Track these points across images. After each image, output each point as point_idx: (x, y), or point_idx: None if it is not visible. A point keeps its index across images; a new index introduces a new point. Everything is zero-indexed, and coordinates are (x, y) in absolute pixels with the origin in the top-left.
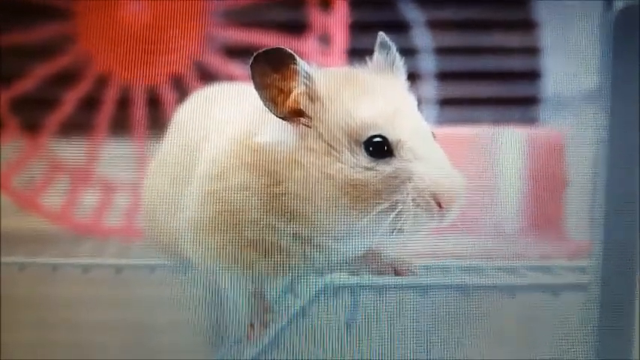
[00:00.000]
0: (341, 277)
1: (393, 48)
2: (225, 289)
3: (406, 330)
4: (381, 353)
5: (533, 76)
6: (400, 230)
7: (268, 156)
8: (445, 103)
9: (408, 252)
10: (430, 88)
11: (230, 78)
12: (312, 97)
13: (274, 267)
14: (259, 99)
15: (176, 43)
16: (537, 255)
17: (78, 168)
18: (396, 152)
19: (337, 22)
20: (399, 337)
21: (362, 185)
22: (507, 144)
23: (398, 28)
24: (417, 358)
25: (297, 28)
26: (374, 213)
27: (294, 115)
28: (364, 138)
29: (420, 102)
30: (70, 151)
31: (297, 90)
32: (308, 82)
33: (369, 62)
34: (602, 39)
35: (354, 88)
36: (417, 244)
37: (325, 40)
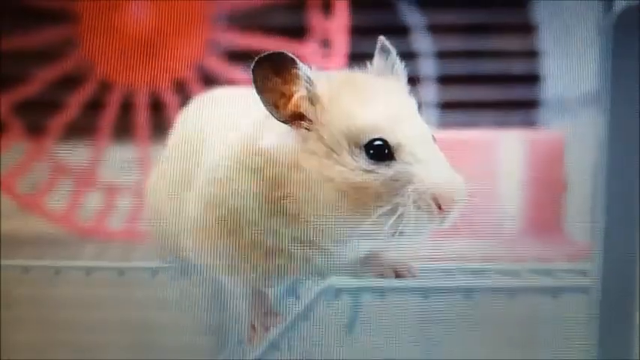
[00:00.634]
0: (342, 280)
1: (394, 52)
2: (227, 291)
3: (407, 332)
4: (382, 355)
5: (533, 79)
6: (401, 233)
7: (270, 159)
8: (445, 106)
9: (409, 254)
10: (430, 92)
11: (232, 82)
12: (313, 100)
13: (276, 270)
14: (261, 103)
15: (178, 47)
16: (538, 257)
17: (81, 171)
18: (396, 155)
19: (338, 26)
20: (400, 339)
21: (363, 188)
22: (508, 147)
23: (398, 32)
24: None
25: (299, 32)
26: (375, 216)
27: (296, 118)
28: (365, 141)
29: (420, 105)
30: (74, 154)
31: (299, 94)
32: (309, 86)
33: (369, 66)
34: (602, 41)
35: (354, 91)
36: (418, 246)
37: (326, 44)
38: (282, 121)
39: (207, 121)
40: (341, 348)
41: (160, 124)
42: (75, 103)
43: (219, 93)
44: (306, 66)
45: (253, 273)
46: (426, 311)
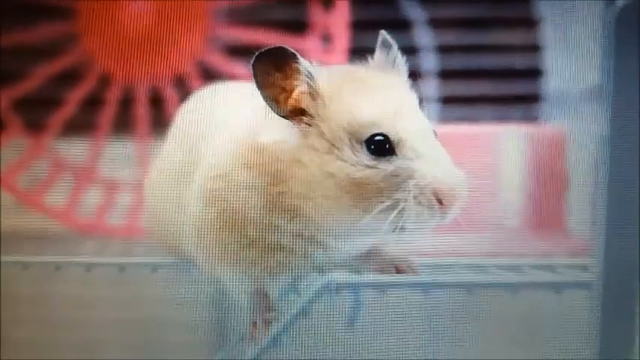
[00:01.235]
0: (343, 276)
1: (395, 46)
2: (227, 287)
3: (408, 328)
4: (383, 351)
5: (534, 74)
6: (402, 228)
7: (270, 155)
8: (447, 101)
9: (410, 250)
10: (432, 87)
11: (232, 77)
12: (313, 95)
13: (276, 265)
14: (261, 98)
15: (178, 42)
16: (539, 253)
17: (81, 167)
18: (397, 150)
19: (339, 20)
20: (401, 335)
21: (364, 183)
22: (509, 142)
23: (399, 26)
24: (419, 357)
25: (299, 26)
26: (376, 211)
27: (296, 113)
28: (366, 136)
29: (421, 100)
30: (73, 150)
31: (299, 89)
32: (310, 81)
33: (370, 61)
34: (603, 36)
35: (355, 86)
36: (418, 242)
37: (327, 38)
38: (283, 117)
39: (207, 117)
40: (342, 344)
41: (160, 120)
42: (74, 99)
43: (219, 88)
44: (307, 61)
45: (254, 269)
46: (427, 307)
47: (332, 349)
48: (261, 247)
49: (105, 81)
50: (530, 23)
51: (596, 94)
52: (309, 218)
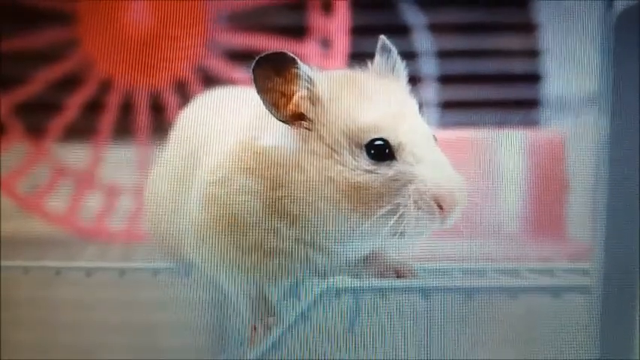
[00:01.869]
0: (343, 280)
1: (394, 51)
2: (227, 292)
3: (408, 332)
4: (383, 356)
5: (533, 78)
6: (402, 233)
7: (270, 160)
8: (446, 106)
9: (410, 255)
10: (431, 91)
11: (232, 82)
12: (313, 100)
13: (276, 270)
14: (261, 103)
15: (178, 47)
16: (539, 257)
17: (81, 172)
18: (397, 155)
19: (338, 25)
20: (401, 339)
21: (363, 188)
22: (508, 147)
23: (399, 31)
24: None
25: (299, 31)
26: (376, 216)
27: (296, 118)
28: (365, 141)
29: (421, 105)
30: (74, 155)
31: (299, 93)
32: (310, 86)
33: (370, 65)
34: (602, 41)
35: (355, 91)
36: (418, 246)
37: (326, 43)
38: (283, 121)
39: (207, 122)
40: (342, 348)
41: (161, 125)
42: (75, 103)
43: (219, 93)
44: (307, 66)
45: (254, 273)
46: (427, 311)
47: (332, 353)
48: (261, 252)
49: (105, 86)
50: (529, 28)
51: (596, 98)
52: (308, 223)
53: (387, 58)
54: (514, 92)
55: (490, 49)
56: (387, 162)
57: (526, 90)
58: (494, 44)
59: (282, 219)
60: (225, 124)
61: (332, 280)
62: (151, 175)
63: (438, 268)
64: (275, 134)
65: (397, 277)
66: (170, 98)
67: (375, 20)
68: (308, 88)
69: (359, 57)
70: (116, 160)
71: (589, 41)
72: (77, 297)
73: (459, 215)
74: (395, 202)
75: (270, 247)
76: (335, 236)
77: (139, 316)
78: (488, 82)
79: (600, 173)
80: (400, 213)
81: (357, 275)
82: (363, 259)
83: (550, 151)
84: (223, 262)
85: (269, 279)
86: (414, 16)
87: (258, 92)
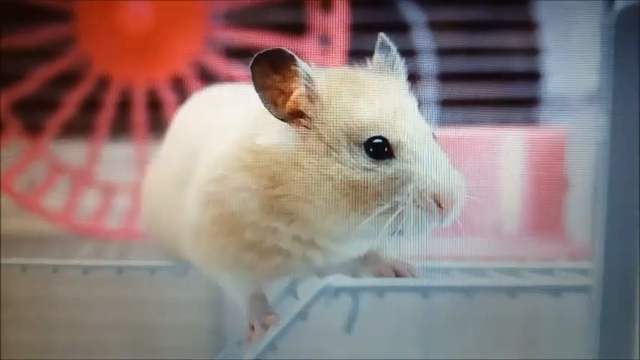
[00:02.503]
0: (341, 279)
1: (394, 49)
2: (225, 290)
3: (407, 331)
4: (381, 354)
5: (534, 76)
6: (401, 232)
7: (268, 158)
8: (446, 104)
9: (409, 253)
10: (431, 89)
11: (230, 79)
12: (312, 98)
13: (274, 269)
14: (259, 100)
15: (176, 44)
16: (538, 256)
17: (79, 170)
18: (396, 153)
19: (337, 22)
20: (399, 338)
21: (362, 186)
22: (508, 145)
23: (398, 28)
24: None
25: (298, 28)
26: (374, 214)
27: (295, 116)
28: (364, 139)
29: (420, 103)
30: (71, 153)
31: (298, 91)
32: (308, 83)
33: (369, 63)
34: (602, 39)
35: (354, 88)
36: (417, 245)
37: (325, 40)
38: (281, 119)
39: (204, 119)
40: (340, 347)
41: (158, 122)
42: (72, 101)
43: (217, 90)
44: (305, 63)
45: (252, 272)
46: (426, 310)
47: (330, 352)
48: (259, 250)
49: (103, 83)
50: (529, 26)
51: (596, 97)
52: (307, 221)
53: (387, 56)
54: (514, 90)
55: (490, 47)
56: (386, 160)
57: (526, 88)
58: (494, 42)
59: (281, 217)
60: (223, 121)
61: (330, 278)
62: (149, 173)
63: (436, 267)
64: (273, 132)
65: (396, 275)
66: (168, 95)
67: (374, 17)
68: (306, 86)
69: (358, 54)
70: (113, 158)
71: (589, 39)
72: (74, 295)
73: (458, 214)
74: (394, 200)
75: (268, 246)
76: (333, 235)
77: (136, 313)
78: (487, 80)
79: (600, 172)
80: (399, 211)
81: (355, 274)
82: (362, 258)
83: (550, 150)
84: (221, 261)
85: (267, 277)
86: (414, 14)
87: (257, 90)
